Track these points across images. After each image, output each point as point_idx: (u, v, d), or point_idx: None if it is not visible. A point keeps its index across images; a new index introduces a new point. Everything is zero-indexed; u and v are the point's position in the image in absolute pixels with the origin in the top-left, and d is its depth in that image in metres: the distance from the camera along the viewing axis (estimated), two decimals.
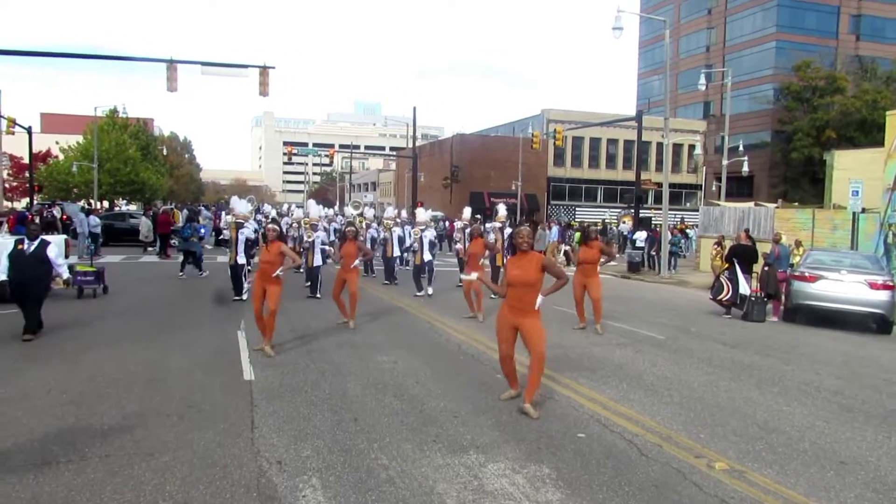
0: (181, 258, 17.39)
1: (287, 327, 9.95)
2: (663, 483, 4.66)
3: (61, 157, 53.21)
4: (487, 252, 12.60)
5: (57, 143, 55.20)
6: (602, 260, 11.33)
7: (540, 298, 6.17)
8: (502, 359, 6.54)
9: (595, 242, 11.40)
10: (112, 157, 50.04)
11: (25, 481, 4.38)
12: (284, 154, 75.26)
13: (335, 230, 20.30)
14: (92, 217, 23.17)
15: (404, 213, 16.95)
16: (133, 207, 51.53)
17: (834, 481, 4.87)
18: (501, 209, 15.64)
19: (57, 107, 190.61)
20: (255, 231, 13.85)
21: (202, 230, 28.80)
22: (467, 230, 14.31)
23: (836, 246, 19.46)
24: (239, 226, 13.31)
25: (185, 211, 30.96)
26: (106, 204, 51.28)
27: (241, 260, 13.14)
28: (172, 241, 23.21)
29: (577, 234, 29.36)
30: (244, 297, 12.70)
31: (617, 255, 22.85)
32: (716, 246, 20.40)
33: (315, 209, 16.58)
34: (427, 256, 14.80)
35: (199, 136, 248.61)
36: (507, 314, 6.32)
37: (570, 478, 4.71)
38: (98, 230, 22.75)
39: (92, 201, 47.27)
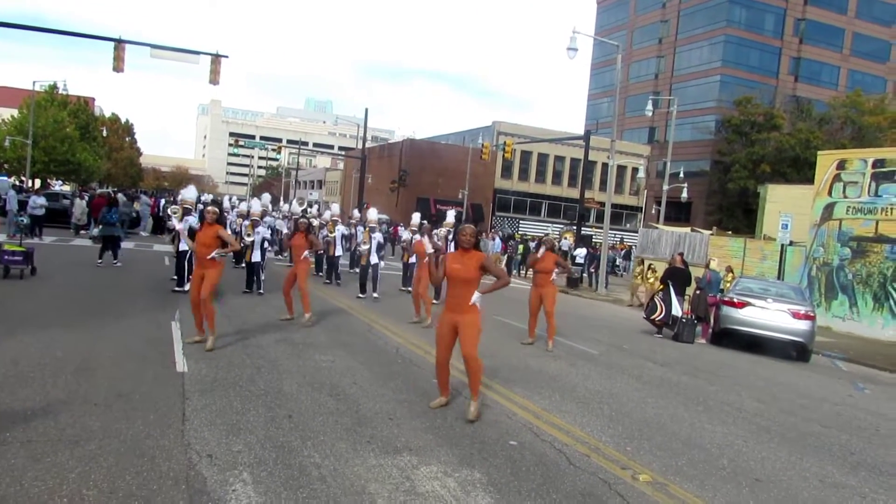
0: (100, 244, 16.26)
1: (224, 321, 9.78)
2: (589, 492, 4.81)
3: None
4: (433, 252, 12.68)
5: None
6: (557, 271, 11.28)
7: (477, 295, 6.22)
8: (439, 364, 6.54)
9: (550, 253, 11.26)
10: (48, 134, 48.09)
11: None
12: (230, 145, 73.87)
13: (273, 228, 19.99)
14: (34, 197, 21.70)
15: (357, 213, 16.79)
16: (67, 188, 49.58)
17: (749, 497, 5.11)
18: (450, 215, 15.70)
19: None
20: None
21: (134, 215, 28.00)
22: (446, 236, 14.06)
23: (764, 275, 20.33)
24: (187, 212, 12.99)
25: (122, 195, 30.02)
26: (38, 182, 49.18)
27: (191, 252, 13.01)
28: (92, 229, 21.57)
29: (521, 247, 29.77)
30: (186, 287, 12.35)
31: (573, 272, 23.26)
32: (640, 266, 21.22)
33: (258, 205, 16.29)
34: (374, 259, 14.73)
35: (142, 120, 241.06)
36: (446, 313, 6.38)
37: (501, 483, 4.81)
38: (41, 212, 20.92)
39: (24, 178, 45.31)
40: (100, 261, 15.64)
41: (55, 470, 4.27)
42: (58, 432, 4.93)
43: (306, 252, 10.87)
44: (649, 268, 20.65)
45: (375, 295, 14.49)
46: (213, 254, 8.16)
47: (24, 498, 3.86)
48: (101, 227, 16.20)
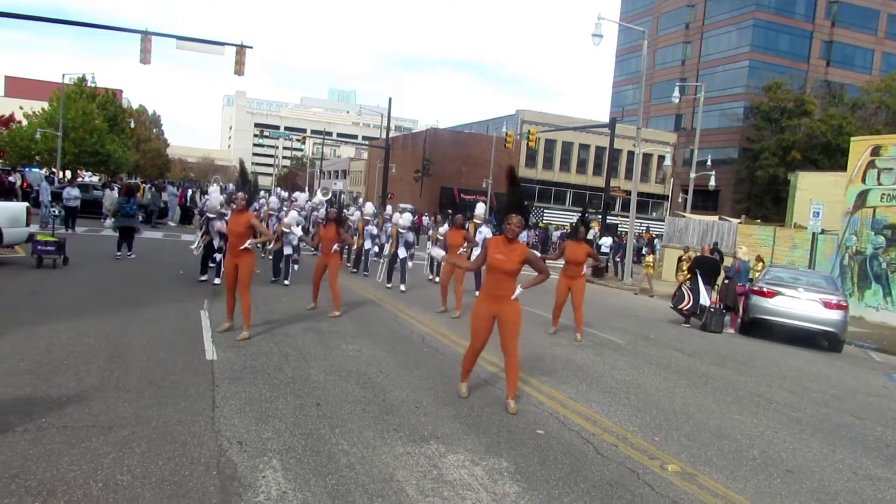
0: (118, 236, 15.46)
1: (252, 310, 9.85)
2: (617, 482, 4.78)
3: (24, 122, 51.72)
4: (466, 244, 12.58)
5: (21, 108, 53.59)
6: (588, 262, 11.03)
7: (519, 289, 6.11)
8: (472, 353, 6.41)
9: (583, 244, 11.00)
10: (78, 126, 48.80)
11: None
12: (255, 135, 74.40)
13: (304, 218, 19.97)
14: (68, 188, 21.79)
15: (398, 216, 16.51)
16: (96, 179, 50.39)
17: (780, 488, 5.05)
18: (480, 208, 15.60)
19: (22, 71, 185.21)
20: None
21: (162, 206, 28.28)
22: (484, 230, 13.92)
23: (794, 264, 20.02)
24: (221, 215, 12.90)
25: (150, 186, 30.45)
26: (69, 174, 50.04)
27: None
28: (106, 218, 20.08)
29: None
30: (216, 280, 12.40)
31: (601, 264, 23.09)
32: (651, 255, 21.62)
33: (275, 200, 16.30)
34: (402, 253, 14.64)
35: (169, 112, 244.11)
36: (484, 302, 6.19)
37: (528, 472, 4.80)
38: (76, 204, 20.80)
39: (55, 170, 46.11)
40: (118, 253, 15.17)
41: (90, 455, 4.35)
42: (92, 418, 5.02)
43: (336, 246, 10.58)
44: (680, 259, 20.57)
45: (403, 288, 14.40)
46: (247, 243, 8.07)
47: (61, 482, 3.94)
48: (117, 217, 15.49)
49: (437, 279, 16.64)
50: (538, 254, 7.31)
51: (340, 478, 4.39)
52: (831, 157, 45.38)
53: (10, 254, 14.09)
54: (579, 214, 12.73)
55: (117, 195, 24.24)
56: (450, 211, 27.83)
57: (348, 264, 17.89)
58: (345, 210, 15.07)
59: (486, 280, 6.18)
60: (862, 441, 6.64)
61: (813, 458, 5.87)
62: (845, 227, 19.80)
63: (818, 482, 5.28)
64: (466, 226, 13.39)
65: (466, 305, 11.08)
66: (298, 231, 14.04)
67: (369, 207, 18.36)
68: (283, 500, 3.99)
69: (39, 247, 12.62)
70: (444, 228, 14.82)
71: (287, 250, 13.88)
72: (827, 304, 12.93)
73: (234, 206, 8.31)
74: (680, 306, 14.05)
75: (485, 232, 13.94)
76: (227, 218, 12.57)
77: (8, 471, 4.02)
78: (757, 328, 13.73)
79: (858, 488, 5.26)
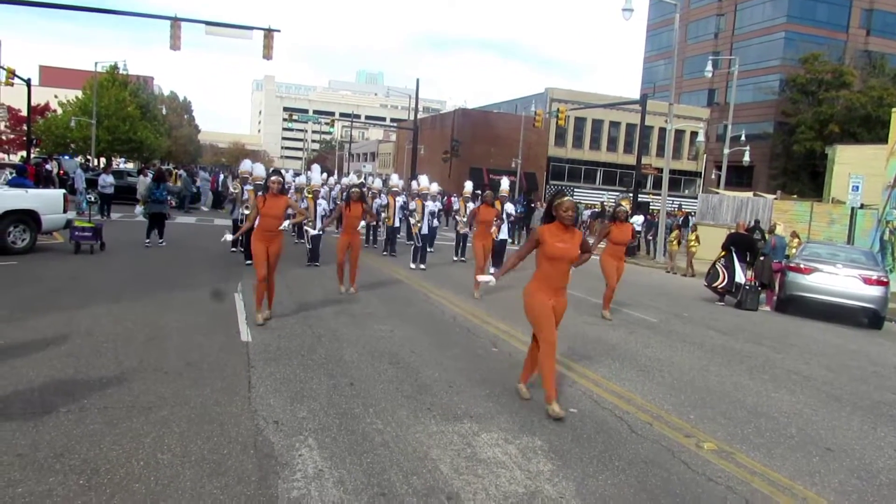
0: (147, 223, 15.34)
1: (285, 292, 9.98)
2: (653, 460, 4.75)
3: (59, 111, 52.75)
4: (496, 220, 12.49)
5: (56, 96, 54.68)
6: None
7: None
8: (550, 349, 5.56)
9: (628, 224, 10.86)
10: (111, 113, 49.63)
11: (25, 429, 4.42)
12: (284, 119, 74.82)
13: (333, 199, 20.07)
14: (104, 176, 22.05)
15: (435, 186, 16.41)
16: (131, 166, 51.22)
17: (819, 466, 4.97)
18: (505, 183, 15.53)
19: (56, 60, 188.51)
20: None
21: (195, 191, 28.67)
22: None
23: (832, 240, 19.57)
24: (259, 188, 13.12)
25: (183, 172, 30.86)
26: (103, 161, 50.95)
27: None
28: (138, 206, 19.66)
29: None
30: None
31: (635, 242, 22.83)
32: (677, 230, 20.79)
33: (318, 176, 16.10)
34: (424, 229, 14.70)
35: (199, 98, 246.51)
36: (545, 294, 5.63)
37: (562, 450, 4.79)
38: (111, 191, 21.21)
39: (89, 157, 46.99)
40: (147, 240, 15.02)
41: (131, 435, 4.46)
42: (132, 399, 5.13)
43: (361, 223, 10.72)
44: (680, 227, 20.14)
45: (423, 266, 14.43)
46: (284, 224, 8.10)
47: (103, 461, 4.04)
48: (147, 204, 15.35)
49: (464, 259, 16.68)
50: None
51: (375, 456, 4.43)
52: (871, 129, 44.13)
53: (49, 240, 14.43)
54: (620, 195, 12.55)
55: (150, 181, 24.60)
56: (478, 192, 27.73)
57: (375, 245, 17.99)
58: (364, 184, 14.98)
59: (546, 271, 5.61)
60: None
61: (853, 436, 5.76)
62: (886, 201, 19.26)
63: (858, 460, 5.19)
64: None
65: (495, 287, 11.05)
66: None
67: (395, 178, 18.31)
68: (319, 477, 4.04)
69: (77, 233, 12.90)
70: (470, 206, 14.89)
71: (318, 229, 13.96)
72: (867, 280, 12.63)
73: (271, 190, 8.14)
74: (714, 284, 13.85)
75: (509, 208, 13.85)
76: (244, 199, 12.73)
77: (53, 450, 4.14)
78: (794, 305, 13.47)
79: None
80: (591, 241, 11.33)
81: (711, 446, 5.13)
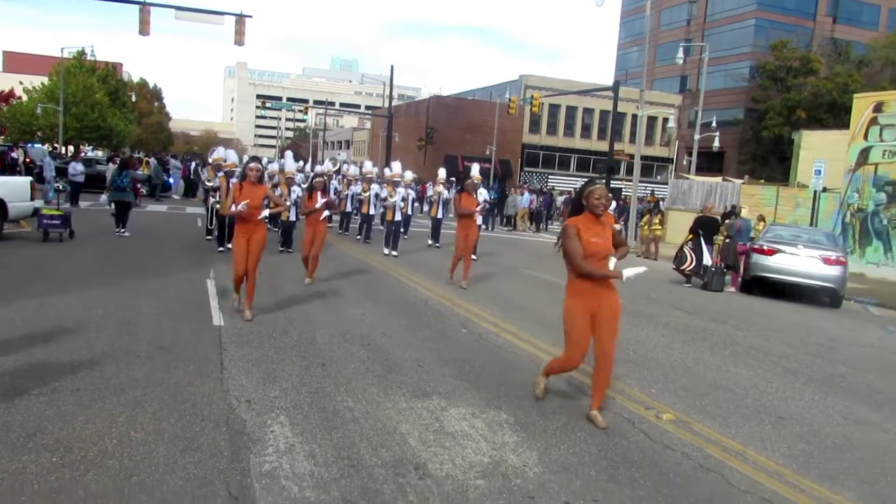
0: (113, 211, 14.91)
1: (258, 278, 9.98)
2: (614, 431, 4.95)
3: (25, 98, 51.59)
4: (479, 208, 12.15)
5: (21, 83, 53.46)
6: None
7: (613, 261, 5.10)
8: (569, 366, 5.34)
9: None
10: (79, 100, 48.70)
11: None
12: (257, 107, 74.04)
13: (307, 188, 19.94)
14: (74, 164, 21.53)
15: (409, 174, 16.40)
16: (100, 153, 50.40)
17: (770, 433, 5.21)
18: (475, 169, 15.57)
19: (21, 46, 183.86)
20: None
21: (165, 177, 28.37)
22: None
23: (797, 223, 20.04)
24: (230, 175, 13.01)
25: (154, 160, 30.47)
26: (71, 149, 50.07)
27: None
28: (103, 195, 20.00)
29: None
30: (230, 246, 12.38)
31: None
32: (647, 215, 21.14)
33: (291, 163, 15.94)
34: (398, 216, 14.75)
35: (170, 85, 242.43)
36: (580, 298, 5.12)
37: (527, 423, 4.97)
38: (81, 179, 20.82)
39: (57, 145, 46.13)
40: (117, 230, 14.65)
41: (104, 415, 4.53)
42: (104, 381, 5.20)
43: (324, 214, 10.23)
44: (651, 212, 20.59)
45: (395, 253, 14.48)
46: (263, 213, 7.73)
47: (76, 440, 4.11)
48: (111, 192, 14.83)
49: (438, 245, 16.79)
50: None
51: (346, 431, 4.56)
52: (837, 115, 44.93)
53: (16, 229, 14.25)
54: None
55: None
56: (454, 178, 27.80)
57: (347, 233, 18.01)
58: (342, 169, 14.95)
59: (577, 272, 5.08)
60: (853, 389, 6.81)
61: (805, 406, 6.03)
62: (847, 185, 19.79)
63: (808, 427, 5.45)
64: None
65: (478, 276, 11.16)
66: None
67: (369, 165, 18.22)
68: (291, 451, 4.17)
69: (45, 221, 12.78)
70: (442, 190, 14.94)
71: (292, 216, 13.96)
72: (826, 261, 13.02)
73: (248, 177, 7.74)
74: (682, 267, 14.16)
75: (483, 194, 13.68)
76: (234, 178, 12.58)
77: (25, 430, 4.19)
78: (758, 286, 13.85)
79: (847, 432, 5.42)
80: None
81: (670, 417, 5.35)
